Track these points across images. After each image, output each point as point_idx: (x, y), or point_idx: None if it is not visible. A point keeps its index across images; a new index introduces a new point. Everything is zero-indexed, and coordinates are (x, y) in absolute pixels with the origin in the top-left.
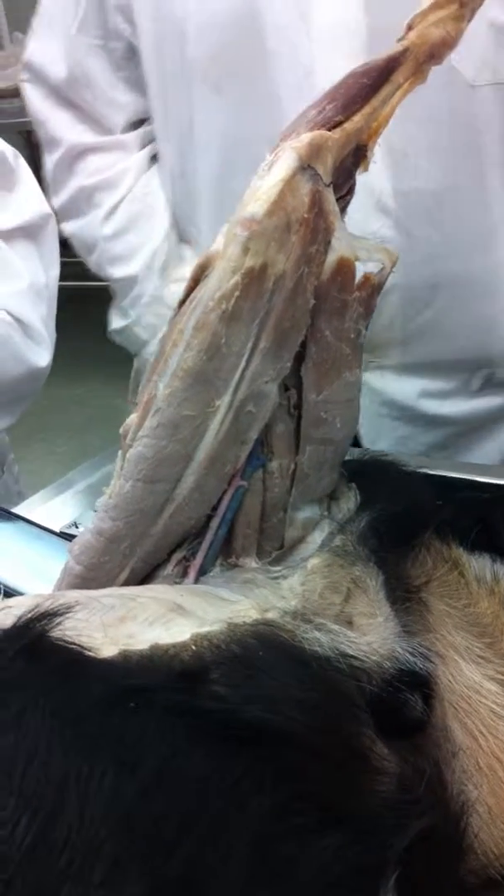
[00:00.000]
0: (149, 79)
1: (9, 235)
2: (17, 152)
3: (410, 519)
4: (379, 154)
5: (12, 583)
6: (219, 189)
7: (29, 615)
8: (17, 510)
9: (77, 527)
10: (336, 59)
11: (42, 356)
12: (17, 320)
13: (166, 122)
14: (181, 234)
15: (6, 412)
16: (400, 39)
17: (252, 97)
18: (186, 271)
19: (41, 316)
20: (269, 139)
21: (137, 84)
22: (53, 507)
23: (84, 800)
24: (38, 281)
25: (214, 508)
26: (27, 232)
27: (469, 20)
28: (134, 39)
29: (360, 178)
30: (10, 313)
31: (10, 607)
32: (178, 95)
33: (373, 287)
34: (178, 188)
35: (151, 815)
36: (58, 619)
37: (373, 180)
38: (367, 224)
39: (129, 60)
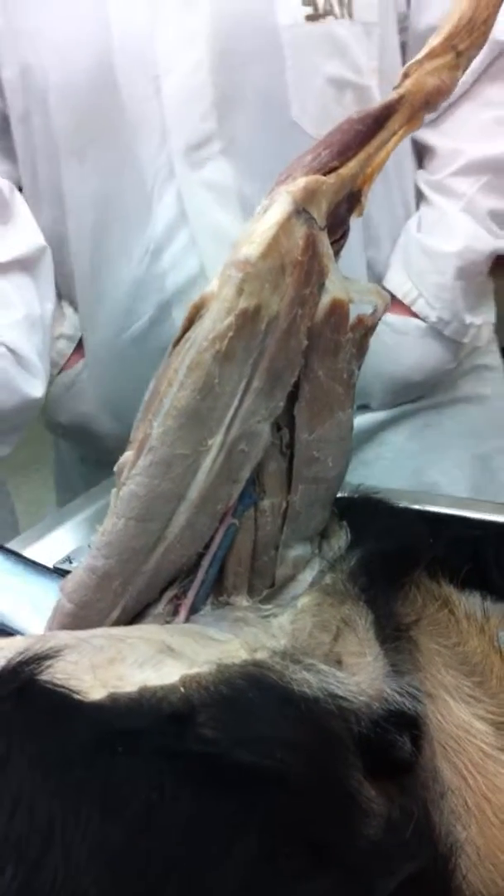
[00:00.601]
0: (18, 148)
1: (5, 268)
2: (13, 186)
3: (400, 557)
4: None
5: (6, 619)
6: (92, 249)
7: (19, 658)
8: (11, 544)
9: (70, 562)
10: (188, 121)
11: (36, 387)
12: (12, 351)
13: (35, 189)
14: (60, 292)
15: (1, 443)
16: (396, 87)
17: (115, 162)
18: (66, 328)
19: (36, 347)
20: (135, 201)
21: (13, 152)
22: (48, 542)
23: (69, 845)
24: (34, 312)
25: (206, 547)
26: (23, 265)
27: (465, 69)
28: (7, 111)
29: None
30: (4, 344)
31: (1, 649)
32: (46, 164)
33: (366, 328)
34: (54, 249)
35: (137, 860)
36: (47, 662)
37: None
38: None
39: (4, 131)
